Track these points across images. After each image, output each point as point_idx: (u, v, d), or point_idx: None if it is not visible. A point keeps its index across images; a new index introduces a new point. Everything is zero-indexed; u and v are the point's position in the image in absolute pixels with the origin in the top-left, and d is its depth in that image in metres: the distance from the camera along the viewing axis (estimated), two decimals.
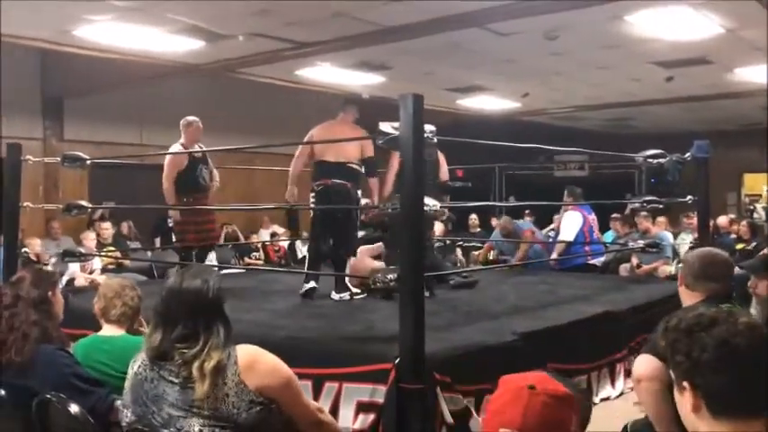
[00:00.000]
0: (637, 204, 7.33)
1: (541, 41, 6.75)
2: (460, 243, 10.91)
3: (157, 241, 10.10)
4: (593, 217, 8.09)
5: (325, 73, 8.38)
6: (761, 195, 16.62)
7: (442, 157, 6.12)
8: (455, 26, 5.99)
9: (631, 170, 14.36)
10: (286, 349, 3.82)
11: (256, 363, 2.02)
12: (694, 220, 9.44)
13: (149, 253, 9.53)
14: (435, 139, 3.83)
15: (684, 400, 1.30)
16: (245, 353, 2.03)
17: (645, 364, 2.28)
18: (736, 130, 14.65)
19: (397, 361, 3.31)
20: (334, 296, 5.34)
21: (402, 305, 3.39)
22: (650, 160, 6.24)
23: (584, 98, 10.65)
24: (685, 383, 1.29)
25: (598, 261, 8.51)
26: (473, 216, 11.38)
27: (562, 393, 1.41)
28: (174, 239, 10.18)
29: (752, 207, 16.81)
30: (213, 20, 6.01)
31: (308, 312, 4.96)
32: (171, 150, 5.89)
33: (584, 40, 6.77)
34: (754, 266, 3.06)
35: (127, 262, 8.33)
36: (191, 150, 5.82)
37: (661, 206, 6.51)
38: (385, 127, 3.75)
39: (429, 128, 3.76)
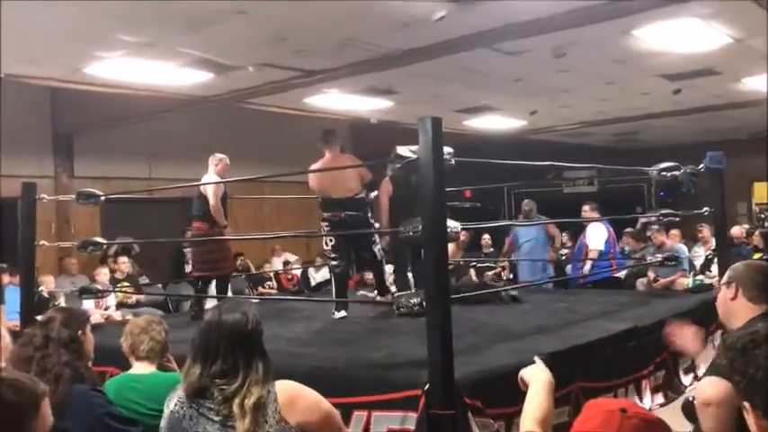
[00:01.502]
0: (653, 218, 7.28)
1: (549, 59, 6.76)
2: (474, 263, 10.86)
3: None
4: (612, 230, 8.12)
5: (333, 100, 8.40)
6: None
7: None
8: (463, 48, 6.01)
9: (640, 184, 14.33)
10: (311, 379, 3.78)
11: (297, 399, 1.98)
12: (705, 232, 9.46)
13: (160, 286, 9.54)
14: (453, 161, 3.80)
15: (750, 421, 1.27)
16: (286, 389, 1.99)
17: (712, 386, 2.18)
18: (744, 139, 14.60)
19: (426, 387, 3.27)
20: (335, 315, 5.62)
21: (429, 329, 3.35)
22: (664, 173, 6.21)
23: (592, 114, 10.65)
24: (746, 404, 1.26)
25: (622, 274, 8.50)
26: (486, 236, 11.35)
27: (653, 418, 1.41)
28: (190, 271, 10.31)
29: (763, 216, 16.74)
30: (223, 52, 6.04)
31: (329, 339, 4.92)
32: (211, 189, 6.12)
33: (592, 55, 6.77)
34: None
35: (141, 297, 8.30)
36: (222, 180, 6.21)
37: (677, 219, 6.48)
38: (403, 151, 3.74)
39: (447, 150, 3.74)
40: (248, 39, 5.64)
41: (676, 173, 6.20)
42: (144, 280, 9.50)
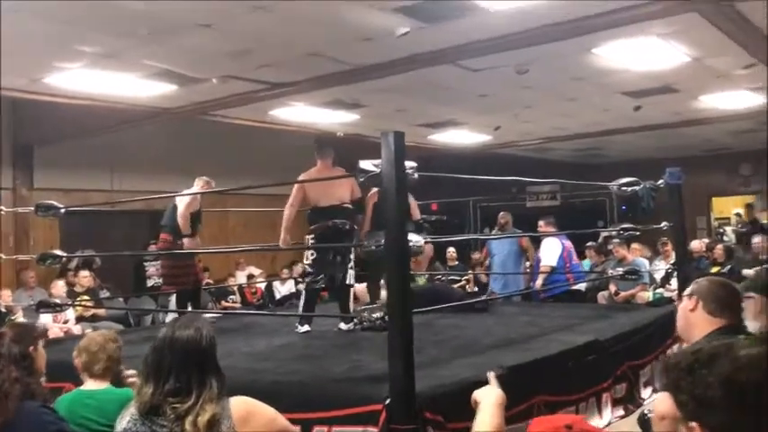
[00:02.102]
0: (613, 232, 7.40)
1: (513, 75, 6.84)
2: (439, 277, 10.89)
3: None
4: (569, 244, 8.20)
5: (298, 112, 8.39)
6: (729, 219, 16.93)
7: (411, 199, 6.29)
8: (428, 64, 6.05)
9: (602, 198, 14.55)
10: (272, 394, 3.76)
11: (251, 415, 1.96)
12: (669, 247, 9.63)
13: (121, 300, 9.39)
14: (416, 175, 3.82)
15: None
16: (240, 405, 1.97)
17: (667, 400, 2.22)
18: (703, 155, 14.94)
19: (387, 402, 3.27)
20: (342, 327, 5.62)
21: (390, 344, 3.35)
22: (624, 188, 6.33)
23: (554, 129, 10.80)
24: (693, 424, 1.27)
25: (582, 287, 8.58)
26: (451, 249, 11.39)
27: None
28: (152, 284, 10.18)
29: (721, 230, 17.09)
30: (187, 64, 6.00)
31: (291, 354, 4.89)
32: (184, 201, 6.20)
33: (554, 72, 6.88)
34: (746, 286, 3.07)
35: (101, 311, 8.16)
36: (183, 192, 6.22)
37: (638, 233, 6.59)
38: (365, 165, 3.75)
39: (410, 164, 3.76)
40: (212, 51, 5.61)
41: (636, 188, 6.33)
42: (105, 294, 9.35)
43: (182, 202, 6.15)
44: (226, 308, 9.74)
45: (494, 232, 9.85)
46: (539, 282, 7.98)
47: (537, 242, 8.75)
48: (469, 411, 3.51)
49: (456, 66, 6.48)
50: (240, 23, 4.98)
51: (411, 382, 3.29)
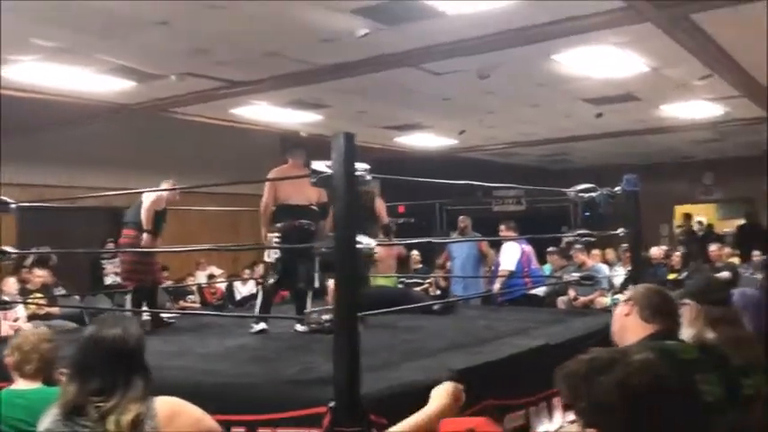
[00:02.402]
0: (570, 238, 7.47)
1: (475, 80, 6.87)
2: (402, 280, 10.90)
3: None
4: (529, 249, 8.26)
5: (260, 111, 8.34)
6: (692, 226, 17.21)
7: (380, 201, 6.29)
8: (389, 66, 6.05)
9: (566, 204, 14.69)
10: (219, 395, 3.74)
11: (177, 415, 1.93)
12: (629, 253, 9.77)
13: (78, 298, 9.24)
14: (369, 177, 3.80)
15: None
16: (165, 405, 1.94)
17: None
18: (667, 163, 15.19)
19: (331, 404, 3.24)
20: (298, 328, 5.54)
21: (336, 346, 3.33)
22: (582, 194, 6.40)
23: (519, 134, 10.88)
24: (590, 429, 1.27)
25: (540, 291, 8.65)
26: (414, 252, 11.40)
27: None
28: (111, 282, 10.02)
29: (682, 237, 17.39)
30: (144, 60, 5.92)
31: (244, 355, 4.84)
32: (150, 198, 6.13)
33: (516, 78, 6.92)
34: (683, 293, 3.11)
35: (55, 309, 8.01)
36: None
37: (594, 239, 6.65)
38: (317, 165, 3.72)
39: (363, 166, 3.74)
40: (170, 48, 5.55)
41: (593, 194, 6.40)
42: (60, 291, 9.18)
43: (148, 199, 6.10)
44: (184, 308, 9.63)
45: (454, 236, 9.90)
46: (496, 285, 8.03)
47: (498, 246, 8.81)
48: (413, 413, 3.52)
49: (418, 69, 6.49)
50: (197, 21, 4.93)
51: (356, 384, 3.27)
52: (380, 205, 6.43)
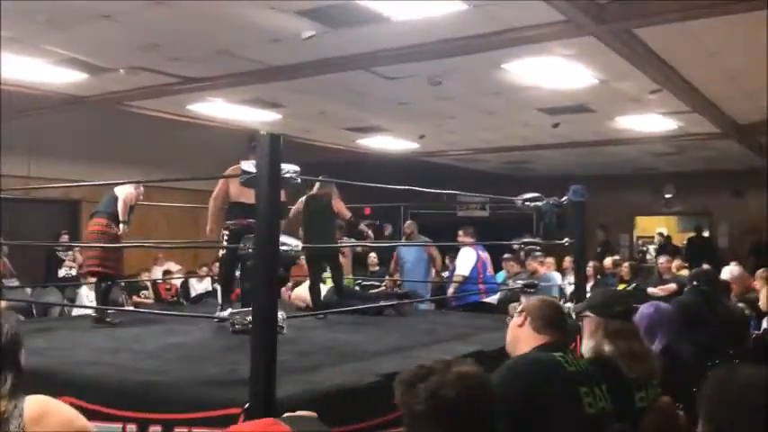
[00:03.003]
0: (516, 246, 7.55)
1: (428, 86, 6.91)
2: (359, 281, 10.91)
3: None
4: (485, 255, 8.31)
5: (218, 108, 8.31)
6: (653, 238, 17.45)
7: (337, 201, 6.30)
8: (339, 68, 6.07)
9: (529, 212, 14.78)
10: (140, 394, 3.73)
11: (46, 415, 1.91)
12: (589, 265, 9.90)
13: (29, 290, 9.13)
14: (299, 180, 3.80)
15: None
16: (34, 404, 1.92)
17: None
18: (629, 174, 15.38)
19: (246, 406, 3.25)
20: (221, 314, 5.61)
21: (252, 347, 3.33)
22: (528, 203, 6.48)
23: (481, 141, 10.95)
24: None
25: (493, 299, 8.69)
26: (372, 254, 11.41)
27: None
28: (65, 274, 9.91)
29: (644, 249, 17.65)
30: (92, 53, 5.88)
31: (177, 353, 4.81)
32: (124, 191, 6.05)
33: (468, 85, 6.98)
34: (583, 306, 3.15)
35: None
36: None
37: (538, 248, 6.73)
38: (246, 165, 3.72)
39: (291, 168, 3.74)
40: (117, 42, 5.51)
41: (539, 203, 6.48)
42: (14, 282, 9.08)
43: (122, 193, 6.03)
44: (136, 303, 9.54)
45: (403, 240, 9.96)
46: (450, 290, 8.08)
47: (457, 251, 8.87)
48: (333, 417, 3.54)
49: (370, 73, 6.51)
50: (141, 17, 4.91)
51: (271, 386, 3.28)
52: (338, 204, 6.44)
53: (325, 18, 4.89)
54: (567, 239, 6.72)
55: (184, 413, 3.46)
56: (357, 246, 9.64)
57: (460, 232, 8.45)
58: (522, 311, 2.60)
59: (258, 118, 8.96)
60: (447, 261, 11.09)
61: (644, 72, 6.17)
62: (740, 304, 5.65)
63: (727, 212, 15.40)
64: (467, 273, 8.08)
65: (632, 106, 8.07)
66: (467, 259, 8.15)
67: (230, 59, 6.05)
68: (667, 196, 16.11)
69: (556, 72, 6.43)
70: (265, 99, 7.84)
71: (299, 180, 3.87)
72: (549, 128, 9.30)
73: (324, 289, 6.86)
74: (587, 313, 2.91)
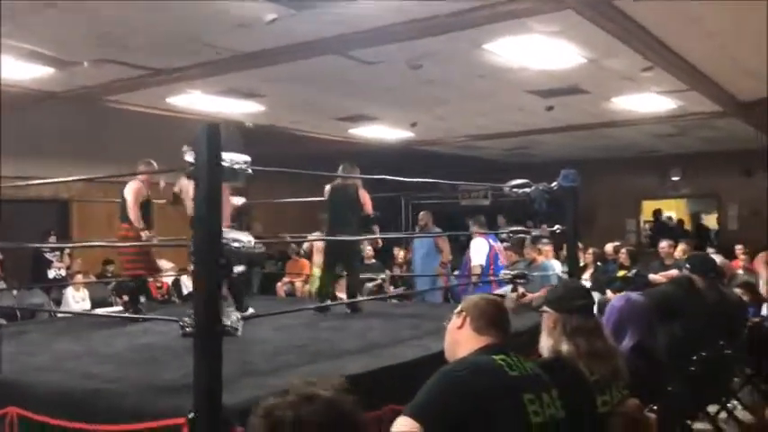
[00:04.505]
0: (504, 234, 7.30)
1: (410, 70, 6.63)
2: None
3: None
4: (498, 245, 8.10)
5: (197, 101, 8.06)
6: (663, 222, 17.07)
7: (363, 193, 6.09)
8: (309, 54, 5.81)
9: (525, 199, 14.47)
10: (89, 402, 3.52)
11: None
12: (589, 251, 9.62)
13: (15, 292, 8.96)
14: (250, 170, 3.55)
15: None
16: None
17: (403, 424, 2.06)
18: (634, 157, 14.99)
19: (190, 416, 3.02)
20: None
21: (196, 352, 3.10)
22: (516, 189, 6.24)
23: (477, 128, 10.65)
24: None
25: (503, 290, 8.44)
26: (368, 247, 11.15)
27: None
28: (55, 275, 9.73)
29: (651, 233, 17.24)
30: (51, 45, 5.63)
31: (139, 357, 4.60)
32: (129, 189, 6.13)
33: (450, 68, 6.69)
34: (542, 300, 2.88)
35: None
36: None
37: (526, 236, 6.46)
38: (189, 156, 3.48)
39: (242, 158, 3.49)
40: (72, 32, 5.27)
41: (527, 189, 6.23)
42: (1, 285, 8.94)
43: (128, 194, 6.06)
44: (125, 302, 9.33)
45: (417, 231, 9.79)
46: (473, 279, 7.89)
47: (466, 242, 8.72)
48: None
49: (347, 58, 6.24)
50: (87, 5, 4.66)
51: (216, 394, 3.05)
52: (364, 196, 6.20)
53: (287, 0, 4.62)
54: (558, 226, 6.47)
55: (126, 423, 3.26)
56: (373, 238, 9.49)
57: (472, 224, 8.26)
58: (461, 311, 2.34)
59: (241, 110, 8.70)
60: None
61: (633, 48, 5.86)
62: (737, 290, 5.34)
63: (736, 194, 15.01)
64: (483, 262, 7.89)
65: (627, 86, 7.74)
66: (480, 249, 7.96)
67: (197, 48, 5.81)
68: (674, 179, 15.72)
69: (541, 52, 6.13)
70: (242, 89, 7.58)
71: (249, 171, 3.65)
72: (545, 112, 8.99)
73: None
74: (545, 308, 2.65)
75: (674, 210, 17.62)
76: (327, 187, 6.12)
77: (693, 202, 17.67)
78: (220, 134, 3.20)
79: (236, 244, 3.55)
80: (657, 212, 16.32)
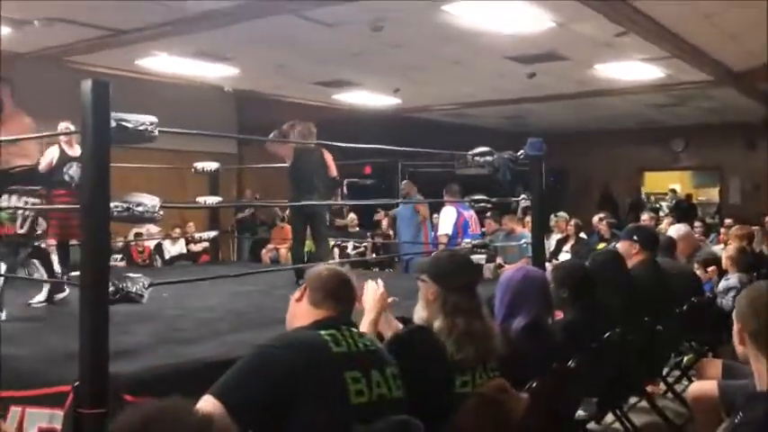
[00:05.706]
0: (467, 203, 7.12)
1: (375, 33, 6.42)
2: (338, 243, 10.58)
3: None
4: (469, 213, 7.95)
5: (166, 63, 7.89)
6: (666, 194, 16.72)
7: (327, 154, 5.89)
8: (265, 13, 5.62)
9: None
10: None
11: None
12: (572, 222, 9.41)
13: None
14: (156, 132, 3.39)
15: None
16: None
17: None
18: (635, 128, 14.63)
19: (76, 384, 2.94)
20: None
21: (81, 320, 3.00)
22: (477, 158, 6.09)
23: (463, 95, 10.41)
24: None
25: (477, 259, 8.30)
26: (352, 215, 11.05)
27: None
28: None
29: (657, 206, 16.90)
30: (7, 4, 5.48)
31: (57, 324, 4.48)
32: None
33: (413, 31, 6.47)
34: (419, 268, 2.73)
35: None
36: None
37: (490, 205, 6.30)
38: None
39: (147, 118, 3.34)
40: None
41: (489, 158, 6.07)
42: None
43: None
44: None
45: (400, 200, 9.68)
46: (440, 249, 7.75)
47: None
48: (184, 395, 3.20)
49: (307, 20, 6.04)
50: None
51: (102, 361, 2.95)
52: (328, 157, 5.99)
53: None
54: (523, 196, 6.30)
55: (21, 390, 3.20)
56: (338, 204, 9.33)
57: (445, 191, 8.12)
58: (302, 284, 2.20)
59: (216, 73, 8.53)
60: (434, 219, 10.73)
61: (601, 12, 5.60)
62: (695, 265, 5.16)
63: (738, 167, 14.65)
64: (449, 231, 7.78)
65: (606, 51, 7.46)
66: (447, 218, 7.90)
67: (153, 8, 5.64)
68: (676, 150, 15.37)
69: (505, 15, 5.89)
70: (208, 51, 7.40)
71: (156, 132, 3.49)
72: (527, 79, 8.73)
73: None
74: (424, 278, 2.50)
75: (678, 182, 17.28)
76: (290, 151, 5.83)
77: (698, 175, 17.32)
78: (108, 92, 3.06)
79: (139, 208, 3.44)
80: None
